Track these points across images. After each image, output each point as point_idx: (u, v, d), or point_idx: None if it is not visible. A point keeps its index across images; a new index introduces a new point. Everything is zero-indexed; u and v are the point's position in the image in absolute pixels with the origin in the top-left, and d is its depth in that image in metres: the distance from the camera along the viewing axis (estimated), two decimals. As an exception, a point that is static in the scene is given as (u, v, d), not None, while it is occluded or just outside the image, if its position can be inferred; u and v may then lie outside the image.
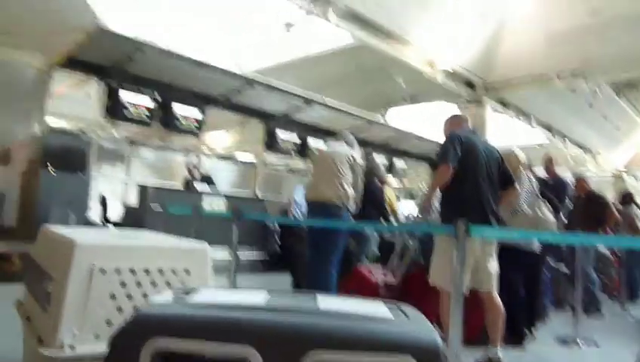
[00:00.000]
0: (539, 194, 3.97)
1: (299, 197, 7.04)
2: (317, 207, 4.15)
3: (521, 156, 3.91)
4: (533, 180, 4.06)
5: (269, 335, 1.11)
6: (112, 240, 1.88)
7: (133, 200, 7.13)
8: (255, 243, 7.01)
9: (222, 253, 3.82)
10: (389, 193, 5.78)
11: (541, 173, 5.77)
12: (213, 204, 6.50)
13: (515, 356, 3.50)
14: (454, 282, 2.39)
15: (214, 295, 1.37)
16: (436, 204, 3.22)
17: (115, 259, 1.71)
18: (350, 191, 4.21)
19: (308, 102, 8.38)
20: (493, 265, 3.11)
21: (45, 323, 1.68)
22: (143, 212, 6.04)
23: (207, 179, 7.80)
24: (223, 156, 13.25)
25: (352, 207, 4.24)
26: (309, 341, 1.10)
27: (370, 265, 4.37)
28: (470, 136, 3.24)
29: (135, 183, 8.61)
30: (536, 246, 3.80)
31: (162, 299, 1.29)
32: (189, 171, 7.83)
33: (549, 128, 10.77)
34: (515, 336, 3.81)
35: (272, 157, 11.14)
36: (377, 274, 3.94)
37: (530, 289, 4.04)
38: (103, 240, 1.84)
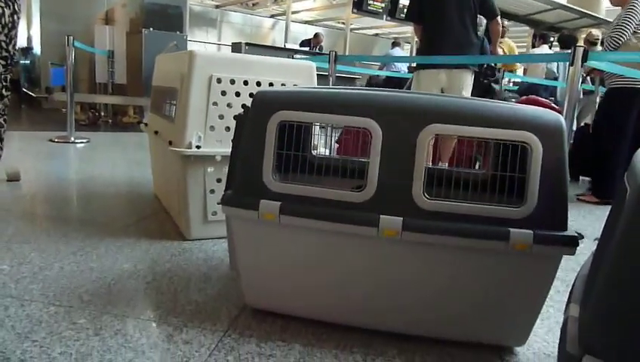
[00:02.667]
0: None
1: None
2: None
3: None
4: None
5: (389, 109, 1.13)
6: (227, 54, 1.95)
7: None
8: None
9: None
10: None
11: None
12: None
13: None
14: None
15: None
16: None
17: (229, 70, 1.79)
18: None
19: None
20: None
21: (174, 130, 1.86)
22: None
23: (321, 49, 8.33)
24: (309, 21, 12.92)
25: None
26: (429, 115, 1.11)
27: None
28: None
29: (226, 45, 8.83)
30: None
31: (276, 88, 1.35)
32: (315, 38, 8.86)
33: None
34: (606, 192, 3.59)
35: (360, 22, 10.67)
36: None
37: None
38: (219, 53, 1.91)
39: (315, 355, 1.14)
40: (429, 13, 3.35)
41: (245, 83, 1.81)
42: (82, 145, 4.21)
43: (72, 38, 4.20)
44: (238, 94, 1.81)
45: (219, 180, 1.84)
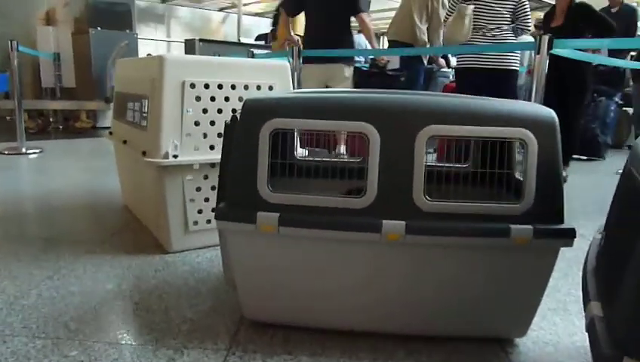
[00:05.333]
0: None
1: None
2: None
3: None
4: None
5: (385, 112, 1.12)
6: (198, 58, 1.87)
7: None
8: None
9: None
10: None
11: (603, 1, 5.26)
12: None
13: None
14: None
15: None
16: None
17: (202, 74, 1.72)
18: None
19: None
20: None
21: (146, 140, 1.77)
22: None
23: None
24: (260, 13, 12.75)
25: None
26: (425, 116, 1.10)
27: None
28: None
29: (177, 42, 8.54)
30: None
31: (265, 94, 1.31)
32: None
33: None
34: None
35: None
36: None
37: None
38: (190, 57, 1.83)
39: (324, 366, 1.12)
40: (308, 6, 3.61)
41: (220, 87, 1.75)
42: (35, 155, 3.99)
43: (16, 42, 3.94)
44: (213, 99, 1.74)
45: (198, 189, 1.78)
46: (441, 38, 3.85)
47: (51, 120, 5.94)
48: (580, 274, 1.72)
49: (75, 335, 1.22)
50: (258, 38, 8.22)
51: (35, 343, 1.18)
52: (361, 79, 3.91)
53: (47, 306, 1.37)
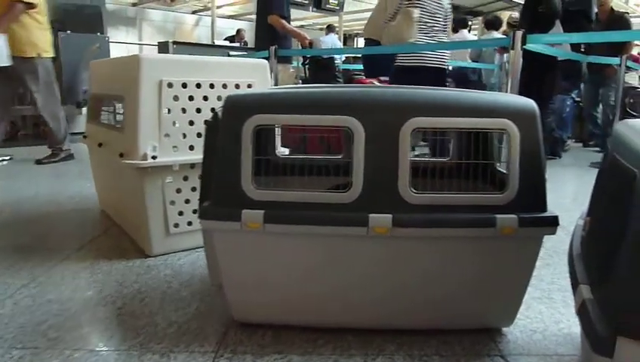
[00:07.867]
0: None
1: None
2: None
3: None
4: None
5: (369, 106, 1.11)
6: (175, 57, 1.84)
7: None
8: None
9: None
10: None
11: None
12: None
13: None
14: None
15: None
16: None
17: (180, 73, 1.69)
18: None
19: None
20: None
21: (123, 141, 1.73)
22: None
23: (245, 44, 8.47)
24: (233, 16, 12.66)
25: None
26: (409, 108, 1.10)
27: None
28: None
29: (149, 45, 8.43)
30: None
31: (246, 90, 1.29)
32: (238, 35, 9.08)
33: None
34: None
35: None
36: None
37: None
38: (168, 56, 1.79)
39: (315, 364, 1.11)
40: None
41: (198, 86, 1.72)
42: (5, 162, 3.87)
43: (-17, 46, 3.80)
44: (191, 98, 1.71)
45: (178, 190, 1.74)
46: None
47: (19, 125, 5.76)
48: (562, 263, 1.76)
49: (55, 344, 1.18)
50: (225, 39, 8.22)
51: (12, 354, 1.13)
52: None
53: (24, 315, 1.32)
